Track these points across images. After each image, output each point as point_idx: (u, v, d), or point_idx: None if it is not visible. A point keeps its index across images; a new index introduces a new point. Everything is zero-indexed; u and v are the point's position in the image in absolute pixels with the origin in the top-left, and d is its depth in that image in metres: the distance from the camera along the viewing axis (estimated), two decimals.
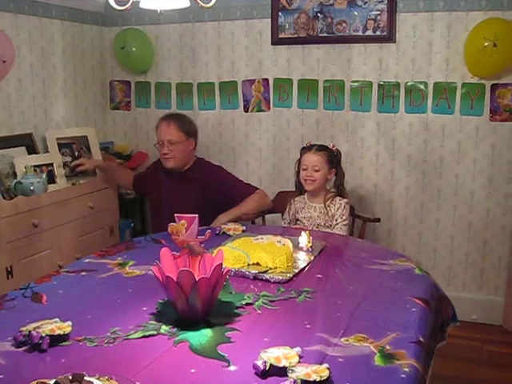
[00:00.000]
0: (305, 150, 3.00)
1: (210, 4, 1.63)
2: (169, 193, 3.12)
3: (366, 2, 3.42)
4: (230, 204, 3.03)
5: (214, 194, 3.01)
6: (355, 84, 3.55)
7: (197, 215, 1.63)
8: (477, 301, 3.48)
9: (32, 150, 3.35)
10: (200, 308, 1.59)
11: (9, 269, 2.81)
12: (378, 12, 3.40)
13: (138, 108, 4.10)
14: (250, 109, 3.81)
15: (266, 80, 3.74)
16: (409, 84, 3.43)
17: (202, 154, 3.79)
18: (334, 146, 3.02)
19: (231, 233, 2.58)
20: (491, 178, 3.38)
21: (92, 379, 1.26)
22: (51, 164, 3.32)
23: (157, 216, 3.23)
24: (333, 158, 2.97)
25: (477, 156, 3.38)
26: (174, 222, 1.64)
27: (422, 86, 3.41)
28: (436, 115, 3.41)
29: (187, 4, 1.74)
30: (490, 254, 3.46)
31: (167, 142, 3.06)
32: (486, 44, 3.09)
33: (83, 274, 2.09)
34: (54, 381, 1.23)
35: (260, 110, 3.80)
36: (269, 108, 3.78)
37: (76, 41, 3.79)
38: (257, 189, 3.15)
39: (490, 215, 3.42)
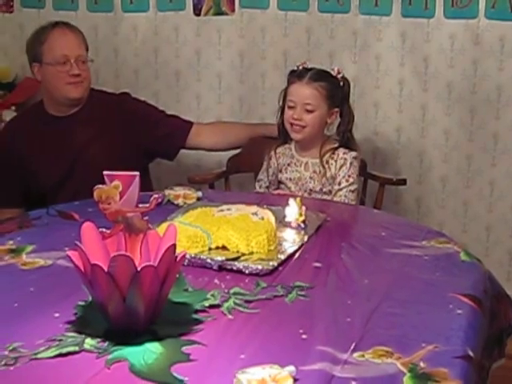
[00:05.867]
0: (294, 76, 3.03)
1: None
2: (73, 145, 3.23)
3: None
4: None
5: (136, 135, 3.24)
6: None
7: (137, 173, 1.68)
8: None
9: None
10: (143, 312, 1.65)
11: None
12: None
13: (25, 9, 4.09)
14: (202, 11, 3.86)
15: None
16: None
17: (129, 82, 3.84)
18: (339, 73, 3.06)
19: (180, 202, 2.65)
20: None
21: None
22: None
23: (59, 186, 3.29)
24: (336, 92, 3.02)
25: None
26: (102, 183, 1.68)
27: None
28: (492, 22, 3.48)
29: None
30: None
31: (76, 60, 3.14)
32: None
33: None
34: None
35: (219, 13, 3.85)
36: (233, 9, 3.83)
37: None
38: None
39: None
